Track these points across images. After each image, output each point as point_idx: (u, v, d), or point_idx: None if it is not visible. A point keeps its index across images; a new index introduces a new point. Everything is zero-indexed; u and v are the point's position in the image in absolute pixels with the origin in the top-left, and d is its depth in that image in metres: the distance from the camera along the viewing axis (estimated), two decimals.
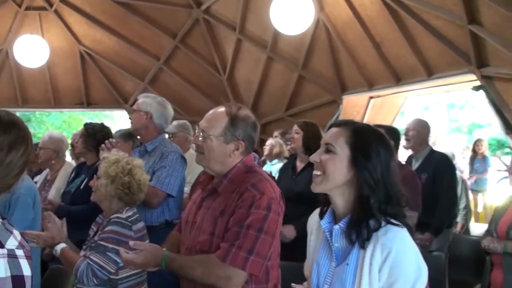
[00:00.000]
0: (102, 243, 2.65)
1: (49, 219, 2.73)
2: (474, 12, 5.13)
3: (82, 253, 2.79)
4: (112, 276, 2.66)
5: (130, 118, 3.72)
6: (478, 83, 5.65)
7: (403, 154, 5.51)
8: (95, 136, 4.02)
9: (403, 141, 4.51)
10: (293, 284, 1.68)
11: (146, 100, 3.63)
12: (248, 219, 2.01)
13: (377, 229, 1.61)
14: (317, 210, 1.86)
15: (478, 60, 5.46)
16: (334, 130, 1.75)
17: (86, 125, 4.17)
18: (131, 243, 2.18)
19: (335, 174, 1.69)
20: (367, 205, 1.64)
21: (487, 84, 5.51)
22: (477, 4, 5.06)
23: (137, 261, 2.08)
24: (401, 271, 1.56)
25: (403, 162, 4.55)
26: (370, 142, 1.69)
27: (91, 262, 2.61)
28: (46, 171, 4.67)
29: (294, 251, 3.06)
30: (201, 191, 2.32)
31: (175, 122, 4.98)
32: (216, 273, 2.00)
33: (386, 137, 1.76)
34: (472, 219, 8.62)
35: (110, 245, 2.63)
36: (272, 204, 2.06)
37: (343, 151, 1.69)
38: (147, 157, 3.52)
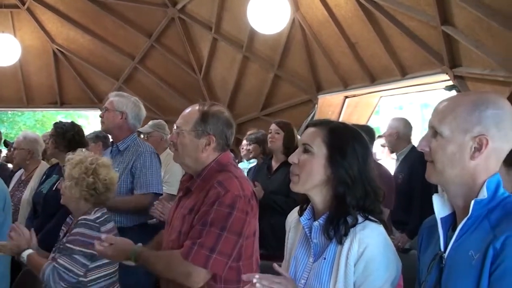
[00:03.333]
0: (69, 245, 2.60)
1: (16, 230, 2.70)
2: (447, 14, 5.19)
3: (51, 255, 2.73)
4: (81, 279, 2.61)
5: (101, 117, 3.61)
6: (451, 83, 5.71)
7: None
8: (65, 135, 3.91)
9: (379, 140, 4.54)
10: (274, 264, 1.68)
11: (121, 100, 3.56)
12: (210, 216, 2.02)
13: (354, 225, 1.64)
14: (296, 208, 1.88)
15: (451, 60, 5.52)
16: (311, 130, 1.77)
17: (55, 124, 4.06)
18: (103, 236, 2.31)
19: (313, 174, 1.70)
20: (344, 203, 1.66)
21: (460, 84, 5.57)
22: (449, 5, 5.11)
23: (108, 253, 2.22)
24: (375, 266, 1.59)
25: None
26: (346, 140, 1.71)
27: (57, 265, 2.56)
28: (21, 171, 4.59)
29: (274, 251, 3.06)
30: (181, 190, 2.35)
31: (150, 122, 4.94)
32: (176, 269, 2.04)
33: (362, 134, 1.78)
34: None
35: (77, 248, 2.58)
36: (238, 202, 2.05)
37: (320, 150, 1.71)
38: (119, 156, 3.47)
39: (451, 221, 1.49)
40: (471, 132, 1.39)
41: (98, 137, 4.73)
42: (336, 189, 1.68)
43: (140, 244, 2.26)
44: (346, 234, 1.63)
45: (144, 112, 3.68)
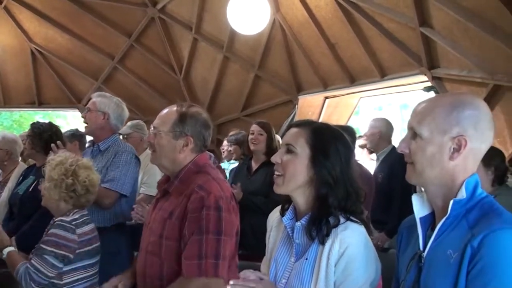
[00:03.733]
0: (42, 245, 2.57)
1: None
2: (425, 15, 5.24)
3: (30, 256, 2.69)
4: (55, 281, 2.57)
5: (83, 117, 3.56)
6: (429, 84, 5.77)
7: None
8: (42, 136, 3.84)
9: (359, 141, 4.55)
10: (241, 273, 1.67)
11: (104, 101, 3.51)
12: (202, 223, 2.01)
13: (336, 225, 1.65)
14: (278, 208, 1.88)
15: (429, 61, 5.58)
16: (294, 130, 1.77)
17: (32, 125, 3.99)
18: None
19: (296, 175, 1.70)
20: (326, 204, 1.67)
21: (438, 85, 5.64)
22: (428, 7, 5.17)
23: None
24: (355, 266, 1.59)
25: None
26: (329, 141, 1.71)
27: (29, 266, 2.53)
28: None
29: (253, 251, 3.05)
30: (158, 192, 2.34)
31: (129, 123, 4.89)
32: None
33: (344, 135, 1.79)
34: None
35: (49, 248, 2.55)
36: (220, 202, 2.05)
37: (303, 151, 1.71)
38: (100, 157, 3.43)
39: (430, 221, 1.50)
40: (449, 133, 1.40)
41: (74, 135, 4.65)
42: (319, 190, 1.69)
43: None
44: (328, 235, 1.64)
45: (126, 113, 3.64)
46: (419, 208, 1.51)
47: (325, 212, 1.67)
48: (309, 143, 1.71)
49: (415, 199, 1.51)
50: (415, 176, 1.47)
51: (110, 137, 3.52)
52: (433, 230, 1.45)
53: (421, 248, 1.47)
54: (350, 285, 1.59)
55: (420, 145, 1.44)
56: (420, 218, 1.50)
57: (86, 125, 3.54)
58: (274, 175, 1.76)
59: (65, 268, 2.59)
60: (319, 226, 1.65)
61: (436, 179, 1.44)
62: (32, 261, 2.54)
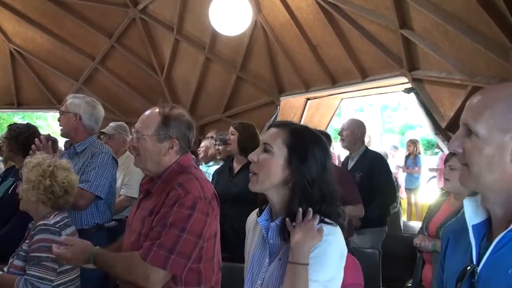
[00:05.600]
0: (35, 254, 2.52)
1: None
2: (406, 17, 5.30)
3: (10, 260, 2.64)
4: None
5: (59, 121, 3.53)
6: (409, 85, 5.83)
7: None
8: (18, 138, 3.77)
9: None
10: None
11: (74, 101, 3.47)
12: (170, 217, 2.01)
13: None
14: (256, 210, 1.88)
15: (410, 63, 5.64)
16: (273, 130, 1.77)
17: (10, 126, 3.92)
18: (62, 237, 2.27)
19: (271, 174, 1.70)
20: (300, 206, 1.67)
21: (418, 87, 5.70)
22: (408, 9, 5.22)
23: (67, 256, 2.17)
24: (323, 261, 1.61)
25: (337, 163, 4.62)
26: (306, 144, 1.72)
27: (28, 277, 2.48)
28: None
29: (237, 253, 3.03)
30: (141, 193, 2.32)
31: (112, 124, 4.86)
32: (135, 270, 2.01)
33: (322, 138, 1.79)
34: (405, 217, 8.91)
35: (44, 254, 2.50)
36: (198, 204, 2.04)
37: (280, 151, 1.71)
38: (77, 158, 3.39)
39: (485, 230, 1.30)
40: (511, 132, 1.20)
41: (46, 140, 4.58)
42: (293, 191, 1.69)
43: (98, 247, 2.22)
44: None
45: (101, 112, 3.58)
46: (472, 214, 1.31)
47: (292, 213, 1.67)
48: (286, 144, 1.71)
49: (467, 204, 1.32)
50: (471, 180, 1.26)
51: (87, 138, 3.48)
52: (489, 241, 1.25)
53: (475, 262, 1.26)
54: (317, 275, 1.59)
55: (476, 145, 1.23)
56: (473, 226, 1.30)
57: (61, 127, 3.52)
58: (250, 173, 1.76)
59: (60, 269, 2.57)
60: (285, 226, 1.66)
61: (496, 185, 1.23)
62: (30, 271, 2.49)
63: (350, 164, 4.62)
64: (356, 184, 4.13)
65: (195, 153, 5.79)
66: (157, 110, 2.23)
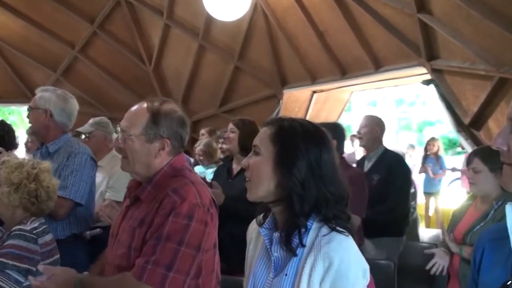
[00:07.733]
0: (1, 259, 2.52)
1: None
2: (424, 0, 5.28)
3: None
4: None
5: (28, 117, 3.49)
6: (428, 77, 5.82)
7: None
8: None
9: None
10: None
11: (44, 95, 3.42)
12: (166, 229, 1.97)
13: (304, 232, 1.62)
14: (259, 216, 1.83)
15: (429, 52, 5.63)
16: (262, 130, 1.74)
17: None
18: (40, 267, 2.18)
19: (262, 178, 1.67)
20: (293, 210, 1.62)
21: (437, 78, 5.69)
22: None
23: None
24: (344, 284, 1.56)
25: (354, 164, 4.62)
26: (294, 139, 1.66)
27: None
28: None
29: (235, 264, 3.03)
30: (127, 199, 2.28)
31: (91, 120, 4.81)
32: None
33: (317, 132, 1.73)
34: (423, 224, 8.91)
35: (11, 262, 2.50)
36: (195, 212, 2.01)
37: (267, 151, 1.67)
38: (49, 159, 3.36)
39: None
40: None
41: None
42: (289, 196, 1.64)
43: (86, 273, 2.19)
44: (303, 245, 1.61)
45: (73, 106, 3.52)
46: None
47: (293, 222, 1.63)
48: (273, 143, 1.67)
49: (509, 210, 1.27)
50: None
51: (61, 137, 3.44)
52: None
53: None
54: None
55: None
56: None
57: (30, 125, 3.48)
58: (246, 181, 1.73)
59: (25, 283, 2.56)
60: (289, 238, 1.62)
61: None
62: None
63: (367, 165, 4.62)
64: (367, 191, 4.10)
65: (188, 152, 5.80)
66: (145, 105, 2.18)
